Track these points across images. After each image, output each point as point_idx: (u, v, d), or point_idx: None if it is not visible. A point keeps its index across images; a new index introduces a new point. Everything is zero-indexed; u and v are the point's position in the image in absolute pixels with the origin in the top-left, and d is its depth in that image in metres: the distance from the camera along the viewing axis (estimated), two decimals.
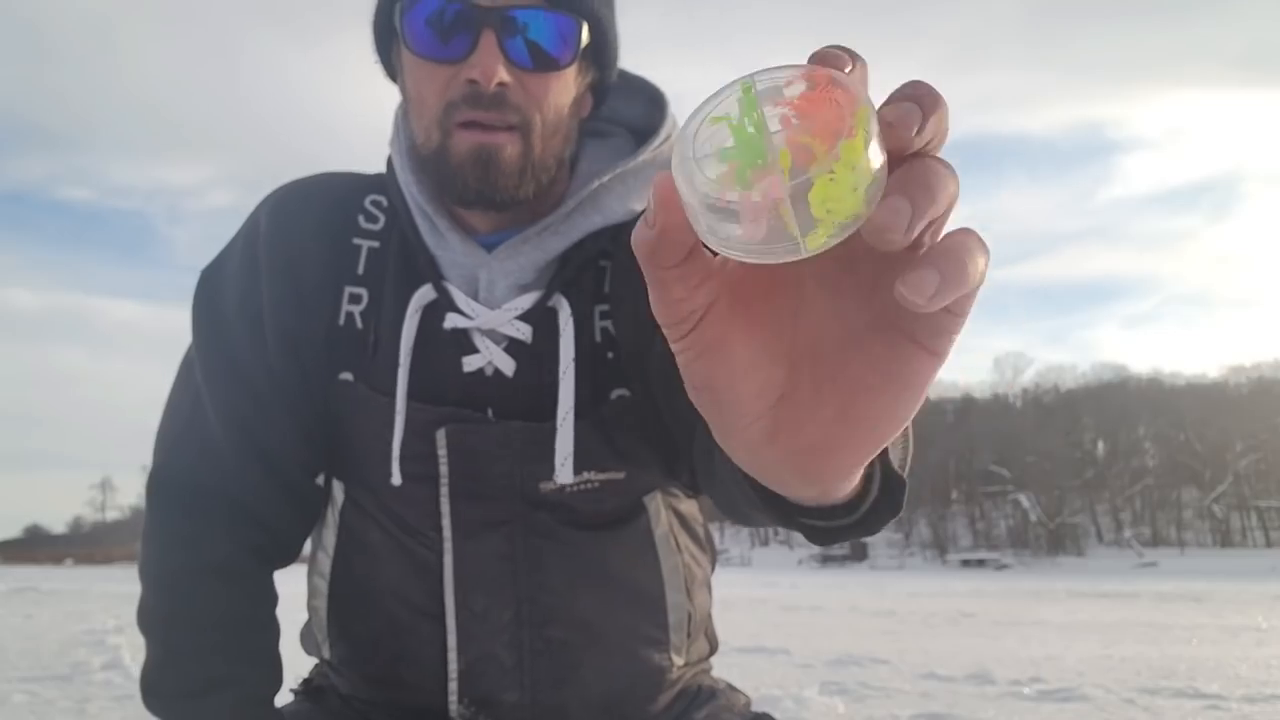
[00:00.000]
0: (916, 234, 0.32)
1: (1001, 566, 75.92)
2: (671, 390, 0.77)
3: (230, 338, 0.92)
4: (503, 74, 0.78)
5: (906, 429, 0.47)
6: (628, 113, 0.95)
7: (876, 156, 0.32)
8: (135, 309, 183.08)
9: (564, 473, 0.84)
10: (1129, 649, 8.27)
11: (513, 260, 0.87)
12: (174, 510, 0.91)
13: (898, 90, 0.34)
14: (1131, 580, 36.82)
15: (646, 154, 0.89)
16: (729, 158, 0.31)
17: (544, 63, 0.80)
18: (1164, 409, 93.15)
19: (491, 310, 0.86)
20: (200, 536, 0.89)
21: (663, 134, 0.91)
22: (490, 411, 0.88)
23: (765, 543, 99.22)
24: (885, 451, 0.49)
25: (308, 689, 1.01)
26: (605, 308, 0.89)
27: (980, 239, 0.35)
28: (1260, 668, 6.84)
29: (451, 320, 0.87)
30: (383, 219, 0.92)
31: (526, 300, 0.87)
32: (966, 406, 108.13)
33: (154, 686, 0.88)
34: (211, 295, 0.94)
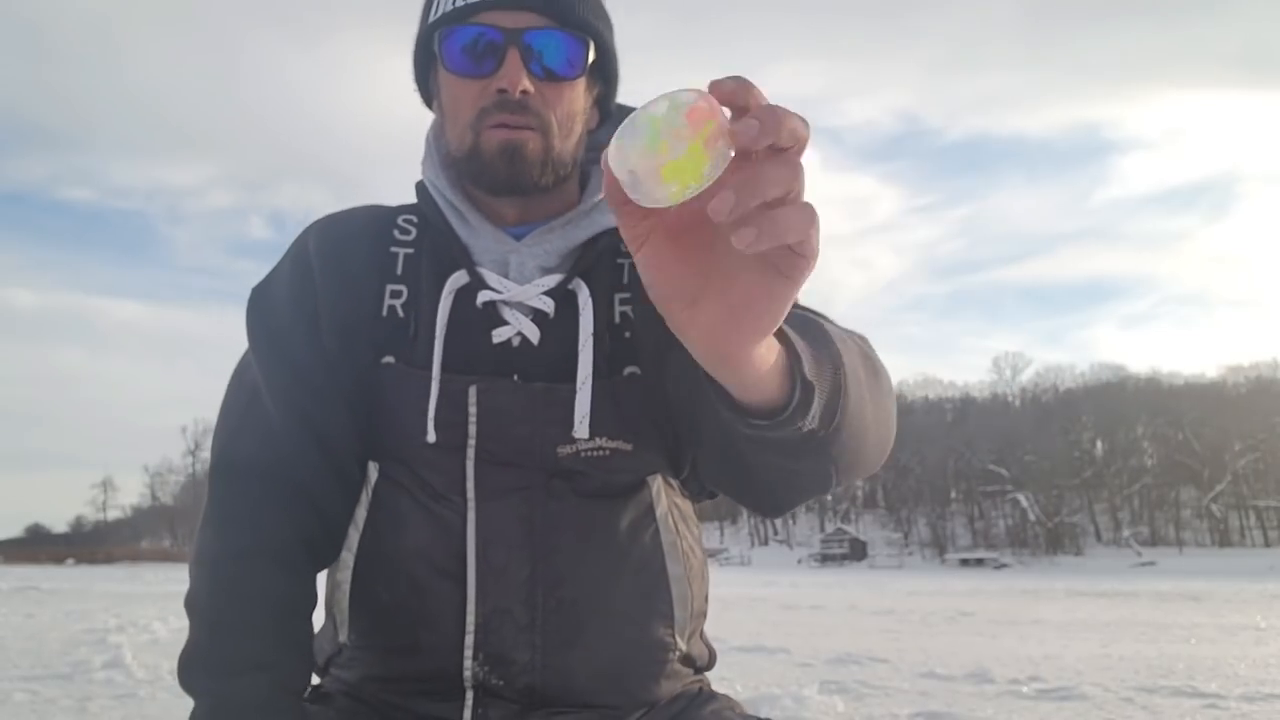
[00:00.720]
0: (738, 215, 0.51)
1: (1000, 566, 75.98)
2: (687, 391, 0.88)
3: (286, 336, 0.99)
4: (526, 83, 0.91)
5: (838, 361, 0.73)
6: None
7: (716, 152, 0.51)
8: (136, 309, 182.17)
9: (582, 429, 0.93)
10: (1127, 648, 8.28)
11: (539, 246, 0.99)
12: (235, 491, 0.96)
13: (755, 110, 0.52)
14: (1130, 579, 36.90)
15: None
16: (644, 139, 0.52)
17: (559, 74, 0.94)
18: (1162, 409, 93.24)
19: (520, 286, 0.97)
20: (260, 518, 0.94)
21: None
22: (516, 378, 0.96)
23: (765, 542, 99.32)
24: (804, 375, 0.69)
25: (315, 695, 1.03)
26: (625, 295, 1.00)
27: (800, 215, 0.54)
28: (1259, 667, 6.85)
29: (484, 295, 0.96)
30: (414, 231, 1.03)
31: (551, 280, 0.97)
32: (965, 406, 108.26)
33: (193, 663, 0.91)
34: (264, 305, 1.02)
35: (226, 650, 0.90)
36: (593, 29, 0.95)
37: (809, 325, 0.76)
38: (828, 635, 9.34)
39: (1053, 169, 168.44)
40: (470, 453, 0.94)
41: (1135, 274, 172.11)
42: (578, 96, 0.97)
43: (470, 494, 0.94)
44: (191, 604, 0.94)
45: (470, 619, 0.92)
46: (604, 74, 1.01)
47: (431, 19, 0.95)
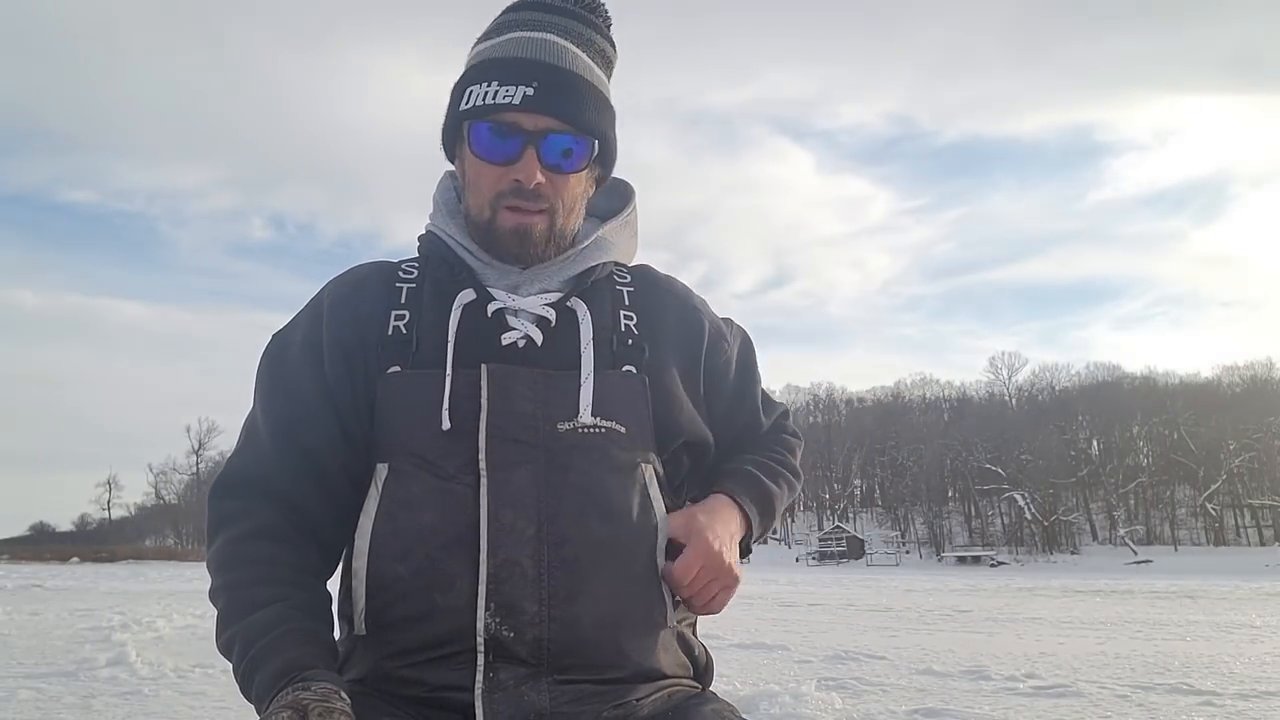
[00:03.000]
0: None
1: (996, 564, 76.01)
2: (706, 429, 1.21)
3: (290, 370, 1.13)
4: (539, 176, 1.08)
5: (770, 522, 1.25)
6: (596, 203, 1.26)
7: None
8: (139, 309, 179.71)
9: (585, 415, 1.07)
10: (1123, 645, 8.33)
11: (543, 272, 1.15)
12: (226, 500, 1.09)
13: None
14: (1126, 578, 36.94)
15: (622, 219, 1.24)
16: None
17: (565, 169, 1.10)
18: (1157, 408, 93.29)
19: (525, 299, 1.13)
20: (246, 511, 1.07)
21: (630, 207, 1.26)
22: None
23: (763, 540, 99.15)
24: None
25: None
26: (629, 313, 1.17)
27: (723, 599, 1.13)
28: (1254, 664, 6.90)
29: (493, 305, 1.11)
30: (416, 271, 1.18)
31: (552, 296, 1.14)
32: (962, 406, 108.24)
33: (221, 626, 1.01)
34: (278, 347, 1.16)
35: (243, 599, 1.00)
36: (598, 130, 1.12)
37: (764, 499, 1.21)
38: (825, 632, 9.38)
39: (1045, 171, 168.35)
40: (482, 431, 1.04)
41: (1128, 275, 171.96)
42: (580, 182, 1.14)
43: (482, 467, 1.03)
44: (213, 593, 1.05)
45: (483, 571, 1.00)
46: (603, 161, 1.18)
47: (464, 107, 1.10)
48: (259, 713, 0.90)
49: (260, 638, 0.96)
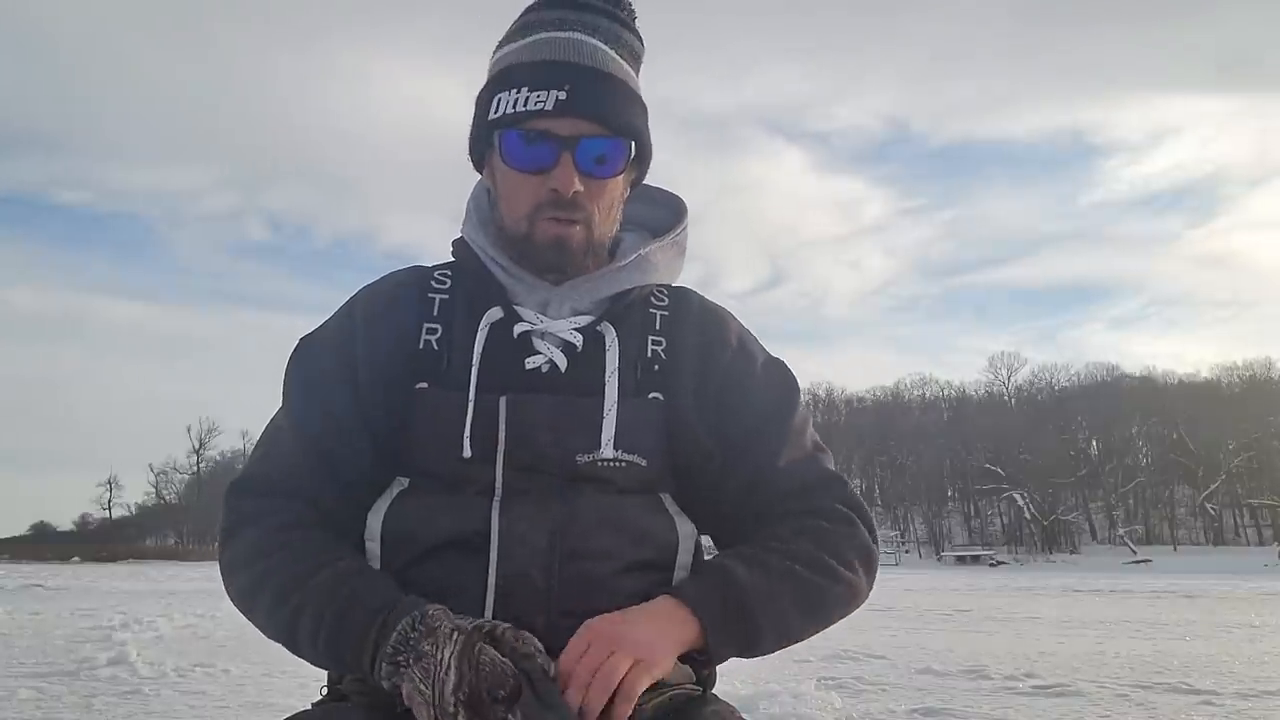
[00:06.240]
0: None
1: (996, 563, 76.03)
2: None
3: (318, 377, 1.11)
4: (576, 184, 1.04)
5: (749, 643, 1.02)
6: (648, 216, 1.23)
7: None
8: (136, 309, 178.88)
9: (607, 450, 1.05)
10: (1123, 645, 8.34)
11: (575, 290, 1.12)
12: (247, 498, 1.07)
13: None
14: (1125, 577, 36.91)
15: (670, 238, 1.20)
16: None
17: (602, 174, 1.07)
18: (1156, 408, 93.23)
19: (553, 320, 1.10)
20: (273, 509, 1.05)
21: (681, 226, 1.21)
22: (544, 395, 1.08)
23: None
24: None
25: (334, 694, 1.08)
26: (659, 338, 1.13)
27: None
28: (1253, 664, 6.92)
29: (520, 327, 1.09)
30: (449, 281, 1.16)
31: (581, 320, 1.11)
32: (961, 405, 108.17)
33: (273, 612, 0.99)
34: (306, 352, 1.15)
35: (296, 573, 0.98)
36: (633, 130, 1.09)
37: (734, 597, 0.99)
38: (825, 632, 9.37)
39: (1039, 172, 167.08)
40: (500, 460, 1.03)
41: (1124, 275, 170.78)
42: (617, 187, 1.11)
43: (498, 493, 1.03)
44: (241, 602, 1.02)
45: (491, 580, 0.99)
46: (640, 162, 1.15)
47: (493, 115, 1.07)
48: (370, 660, 0.91)
49: (338, 587, 0.95)
